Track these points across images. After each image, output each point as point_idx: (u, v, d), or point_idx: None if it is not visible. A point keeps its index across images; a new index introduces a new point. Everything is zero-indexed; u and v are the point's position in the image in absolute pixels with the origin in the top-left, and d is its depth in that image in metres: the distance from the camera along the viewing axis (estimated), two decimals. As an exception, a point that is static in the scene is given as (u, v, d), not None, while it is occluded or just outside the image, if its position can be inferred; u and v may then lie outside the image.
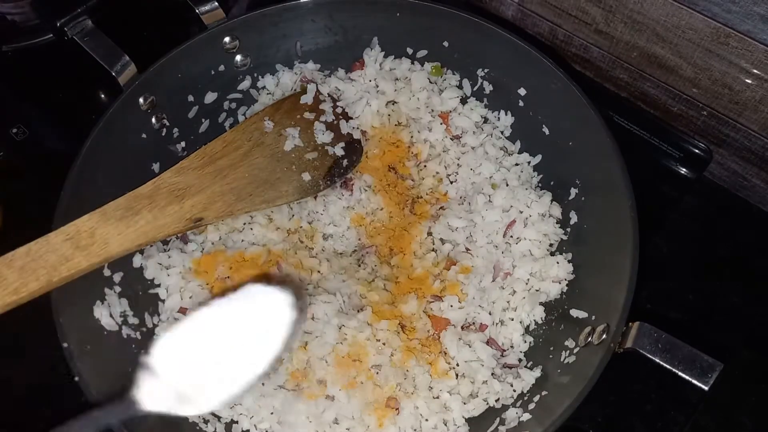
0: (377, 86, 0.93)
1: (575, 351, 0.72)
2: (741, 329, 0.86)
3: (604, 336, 0.67)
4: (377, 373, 0.75)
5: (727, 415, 0.57)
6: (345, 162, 0.88)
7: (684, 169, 0.95)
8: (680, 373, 0.60)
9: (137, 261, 0.82)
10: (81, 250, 0.66)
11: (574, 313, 0.75)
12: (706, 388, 0.59)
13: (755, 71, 0.81)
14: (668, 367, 0.61)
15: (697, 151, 0.94)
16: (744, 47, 0.80)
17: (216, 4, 0.86)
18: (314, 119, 0.89)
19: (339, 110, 0.91)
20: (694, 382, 0.60)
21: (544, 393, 0.72)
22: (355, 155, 0.89)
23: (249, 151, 0.83)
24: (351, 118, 0.91)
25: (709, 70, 0.86)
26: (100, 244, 0.67)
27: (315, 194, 0.86)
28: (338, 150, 0.88)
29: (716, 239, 0.93)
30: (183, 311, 0.81)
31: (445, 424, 0.74)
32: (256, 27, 0.89)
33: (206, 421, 0.74)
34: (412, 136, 0.92)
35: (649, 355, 0.62)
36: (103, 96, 0.90)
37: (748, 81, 0.83)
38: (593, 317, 0.72)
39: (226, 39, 0.88)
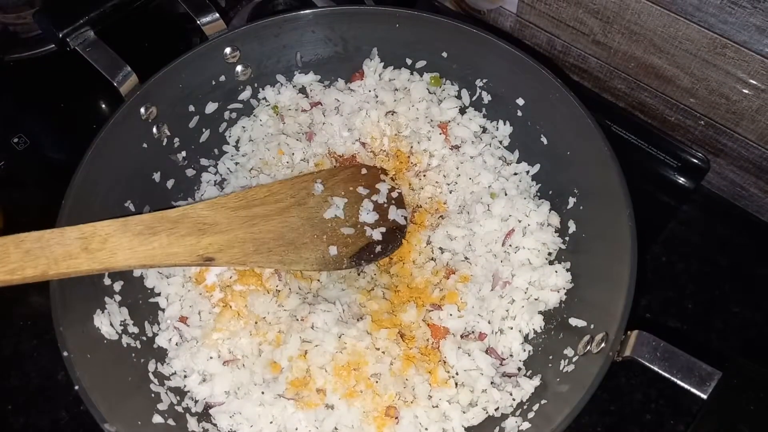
0: (377, 96, 0.94)
1: (574, 360, 0.72)
2: (739, 337, 0.86)
3: (603, 345, 0.67)
4: (377, 381, 0.75)
5: (725, 423, 0.57)
6: (378, 248, 0.83)
7: (682, 179, 0.95)
8: (679, 382, 0.60)
9: (138, 270, 0.82)
10: (87, 253, 0.65)
11: (573, 321, 0.75)
12: (704, 397, 0.59)
13: (752, 81, 0.82)
14: (667, 375, 0.61)
15: (694, 160, 0.95)
16: (740, 57, 0.81)
17: (217, 15, 0.86)
18: (365, 196, 0.86)
19: (395, 195, 0.87)
20: (693, 390, 0.60)
21: (543, 402, 0.71)
22: (392, 244, 0.84)
23: (288, 207, 0.80)
24: (403, 208, 0.87)
25: (706, 80, 0.87)
26: (108, 252, 0.67)
27: (334, 269, 0.82)
28: (376, 234, 0.84)
29: (714, 248, 0.93)
30: (183, 320, 0.81)
31: (445, 433, 0.74)
32: (256, 38, 0.90)
33: (206, 431, 0.74)
34: (411, 146, 0.92)
35: (647, 364, 0.62)
36: (104, 106, 0.90)
37: (745, 91, 0.84)
38: (592, 326, 0.72)
39: (227, 50, 0.89)
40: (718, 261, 0.92)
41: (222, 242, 0.74)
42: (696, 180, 0.95)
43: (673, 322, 0.87)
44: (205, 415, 0.76)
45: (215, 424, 0.75)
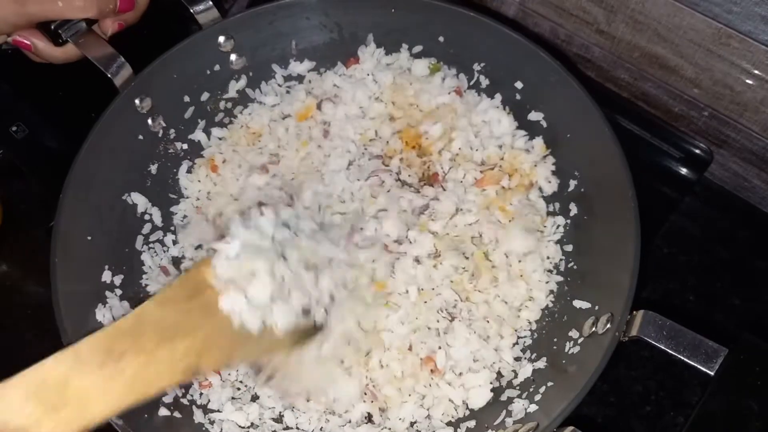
0: (374, 78, 0.93)
1: (579, 341, 0.72)
2: (741, 329, 0.83)
3: (609, 325, 0.67)
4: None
5: (734, 399, 0.58)
6: None
7: (685, 170, 0.94)
8: (686, 359, 0.61)
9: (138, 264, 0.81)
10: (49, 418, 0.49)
11: (577, 303, 0.75)
12: (711, 374, 0.59)
13: (756, 72, 0.81)
14: (673, 353, 0.61)
15: (697, 151, 0.94)
16: (745, 48, 0.80)
17: (210, 3, 0.85)
18: None
19: None
20: (700, 367, 0.60)
21: (549, 384, 0.71)
22: None
23: None
24: None
25: (710, 71, 0.86)
26: (75, 408, 0.50)
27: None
28: None
29: (716, 240, 0.92)
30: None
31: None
32: (250, 26, 0.89)
33: (212, 422, 0.74)
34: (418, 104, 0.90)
35: (654, 343, 0.62)
36: (102, 94, 0.89)
37: (749, 82, 0.83)
38: (596, 307, 0.72)
39: (221, 38, 0.88)
40: (720, 253, 0.91)
41: (197, 345, 0.58)
42: (699, 171, 0.94)
43: (674, 314, 0.86)
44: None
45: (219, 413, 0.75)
